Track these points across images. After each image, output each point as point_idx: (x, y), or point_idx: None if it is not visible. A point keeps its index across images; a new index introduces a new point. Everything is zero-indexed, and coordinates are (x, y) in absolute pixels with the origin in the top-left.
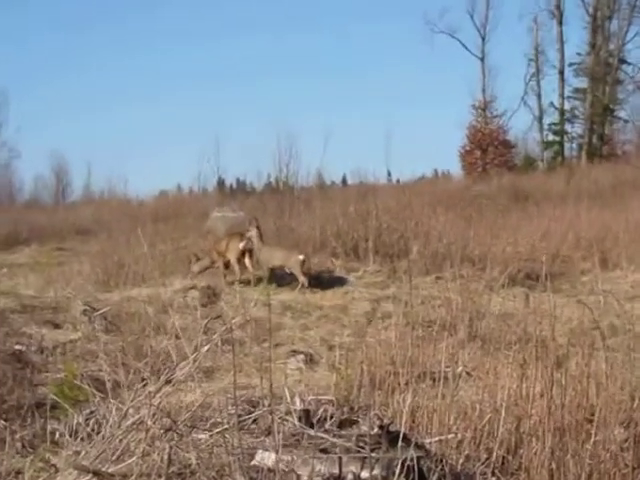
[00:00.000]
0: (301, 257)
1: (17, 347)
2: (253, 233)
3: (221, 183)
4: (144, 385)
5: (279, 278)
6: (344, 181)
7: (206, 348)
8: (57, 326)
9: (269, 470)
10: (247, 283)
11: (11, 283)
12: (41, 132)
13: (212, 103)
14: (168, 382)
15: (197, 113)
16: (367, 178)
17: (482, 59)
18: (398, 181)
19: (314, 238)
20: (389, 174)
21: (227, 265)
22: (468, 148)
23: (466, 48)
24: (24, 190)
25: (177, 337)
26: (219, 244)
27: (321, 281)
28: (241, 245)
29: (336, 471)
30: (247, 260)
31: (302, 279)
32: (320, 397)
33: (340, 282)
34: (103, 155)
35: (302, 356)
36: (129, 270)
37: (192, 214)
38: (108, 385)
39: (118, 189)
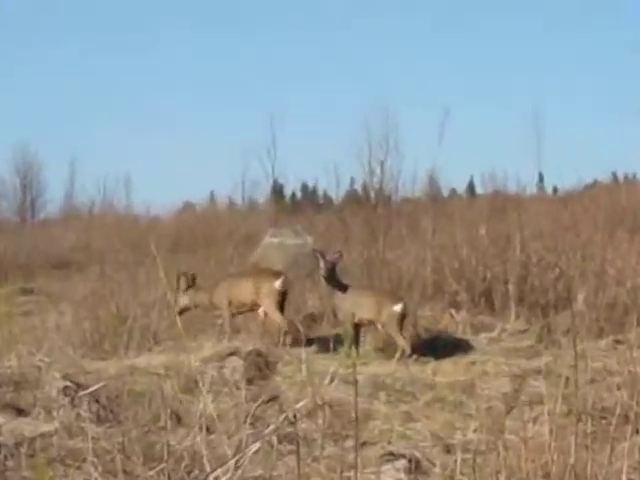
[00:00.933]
0: (397, 307)
1: None
2: (322, 266)
3: (278, 191)
4: None
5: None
6: (471, 189)
7: (255, 448)
8: (22, 412)
9: None
10: (296, 343)
11: None
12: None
13: (267, 70)
14: None
15: (243, 88)
16: (506, 186)
17: None
18: (555, 190)
19: (423, 278)
20: (541, 179)
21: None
22: None
23: None
24: None
25: (209, 431)
26: (234, 288)
27: (434, 346)
28: (278, 284)
29: None
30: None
31: (402, 342)
32: None
33: (464, 347)
34: (94, 149)
35: (404, 462)
36: (134, 326)
37: (232, 239)
38: None
39: (117, 200)
